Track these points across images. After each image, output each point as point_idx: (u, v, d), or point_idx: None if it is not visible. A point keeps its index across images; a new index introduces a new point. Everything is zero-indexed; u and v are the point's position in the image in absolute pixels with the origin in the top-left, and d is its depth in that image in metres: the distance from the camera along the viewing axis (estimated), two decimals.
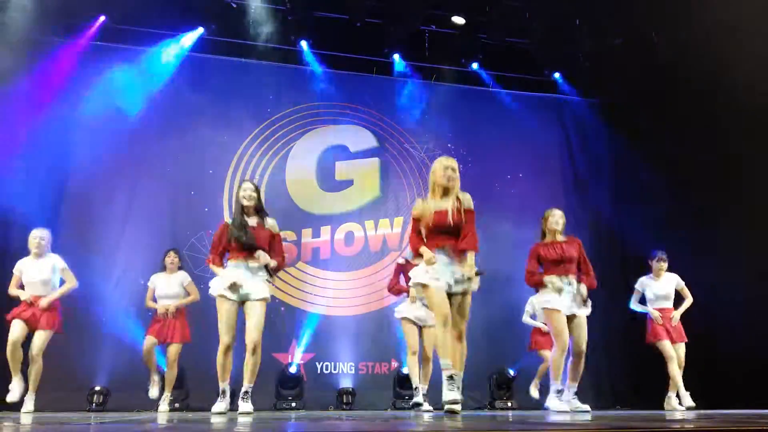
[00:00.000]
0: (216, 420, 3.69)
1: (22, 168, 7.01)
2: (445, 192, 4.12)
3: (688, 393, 5.95)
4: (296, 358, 7.65)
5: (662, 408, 6.14)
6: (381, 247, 8.40)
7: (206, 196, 7.90)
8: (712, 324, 6.40)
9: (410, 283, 4.29)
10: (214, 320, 4.58)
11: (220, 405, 4.40)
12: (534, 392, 6.80)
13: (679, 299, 6.24)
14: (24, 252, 5.63)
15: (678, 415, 4.43)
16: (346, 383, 7.73)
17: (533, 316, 6.97)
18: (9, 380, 5.37)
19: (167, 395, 6.09)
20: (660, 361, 6.13)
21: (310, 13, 8.14)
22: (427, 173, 8.69)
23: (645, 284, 6.29)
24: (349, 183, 8.54)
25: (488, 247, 5.98)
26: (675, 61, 7.59)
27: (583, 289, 5.02)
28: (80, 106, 7.50)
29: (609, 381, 8.24)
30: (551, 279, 5.01)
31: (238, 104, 8.13)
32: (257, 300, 4.51)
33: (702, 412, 5.44)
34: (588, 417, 4.10)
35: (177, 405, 6.56)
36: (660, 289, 6.19)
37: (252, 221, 4.61)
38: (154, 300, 6.21)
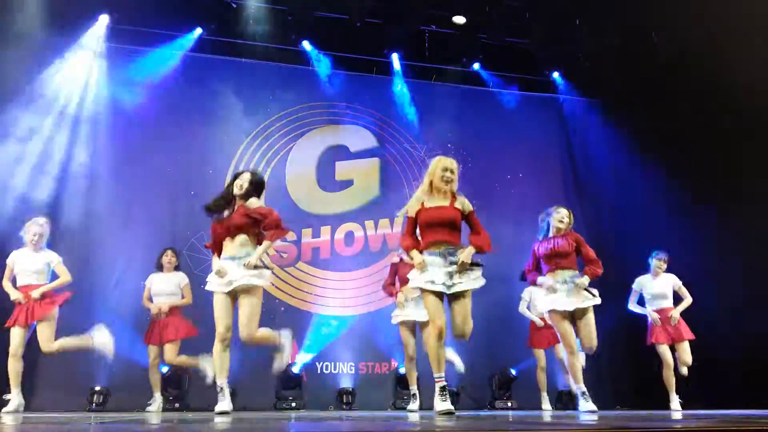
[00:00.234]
0: (217, 420, 3.68)
1: (22, 168, 7.01)
2: (442, 193, 4.13)
3: (677, 397, 6.07)
4: (300, 359, 7.64)
5: (663, 408, 6.17)
6: (381, 247, 8.39)
7: (206, 196, 7.82)
8: (711, 324, 6.40)
9: (408, 285, 4.27)
10: (212, 319, 4.56)
11: (223, 404, 4.36)
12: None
13: (677, 299, 6.25)
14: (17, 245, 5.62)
15: (678, 415, 4.44)
16: (346, 383, 7.72)
17: (529, 307, 7.00)
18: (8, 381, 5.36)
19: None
20: (660, 361, 6.14)
21: (310, 13, 8.14)
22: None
23: (642, 283, 6.31)
24: (349, 183, 8.54)
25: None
26: (675, 61, 7.59)
27: (580, 280, 4.95)
28: (80, 106, 7.50)
29: (609, 381, 8.23)
30: (544, 280, 5.00)
31: (238, 104, 8.13)
32: (244, 290, 4.35)
33: (702, 412, 5.44)
34: (594, 417, 4.10)
35: (177, 405, 6.56)
36: (657, 288, 6.21)
37: (237, 208, 4.54)
38: (151, 300, 6.23)
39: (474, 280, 4.02)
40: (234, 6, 7.91)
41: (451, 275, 3.96)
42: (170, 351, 6.02)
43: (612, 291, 8.28)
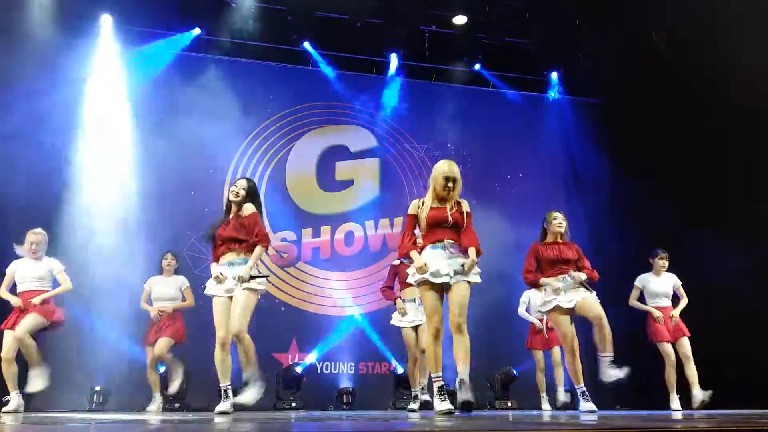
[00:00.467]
0: (218, 420, 3.69)
1: (22, 168, 7.01)
2: (443, 200, 4.17)
3: (678, 396, 6.07)
4: (300, 359, 7.65)
5: (663, 408, 6.16)
6: (381, 247, 8.40)
7: (206, 196, 7.89)
8: (711, 324, 6.40)
9: (409, 279, 4.24)
10: (211, 320, 4.56)
11: (224, 405, 4.36)
12: (562, 396, 6.77)
13: (675, 299, 6.26)
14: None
15: (678, 415, 4.44)
16: (346, 383, 7.73)
17: (528, 309, 7.00)
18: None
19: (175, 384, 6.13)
20: (660, 360, 6.14)
21: (310, 13, 8.14)
22: (427, 173, 8.72)
23: (645, 281, 6.30)
24: (349, 183, 8.54)
25: (488, 247, 5.96)
26: (675, 61, 7.59)
27: (577, 274, 4.97)
28: (79, 106, 7.50)
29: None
30: (548, 281, 4.98)
31: (238, 104, 8.12)
32: (237, 287, 4.36)
33: (702, 412, 5.44)
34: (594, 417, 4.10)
35: (177, 405, 6.56)
36: (660, 287, 6.21)
37: (231, 215, 4.57)
38: (150, 303, 6.22)
39: (474, 275, 4.04)
40: (234, 5, 7.91)
41: (454, 270, 3.96)
42: (162, 344, 6.02)
43: (612, 291, 8.28)
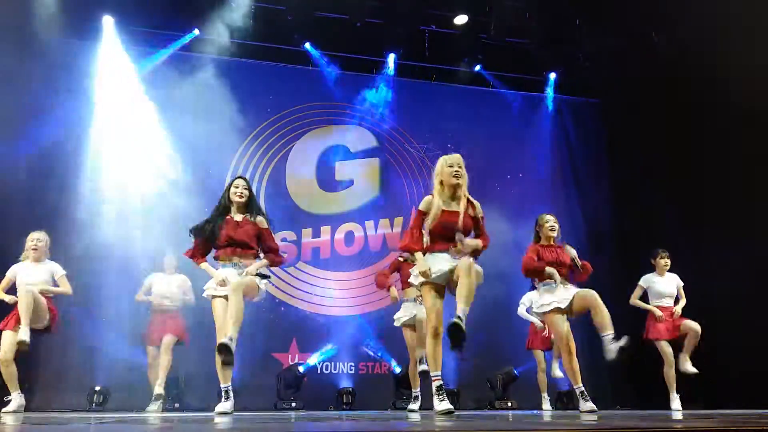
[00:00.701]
0: (218, 420, 3.69)
1: (22, 168, 7.02)
2: (454, 191, 4.03)
3: (678, 396, 6.06)
4: (301, 359, 7.65)
5: (663, 408, 6.16)
6: (381, 247, 8.40)
7: (206, 196, 7.87)
8: (711, 324, 6.39)
9: (411, 279, 4.22)
10: (210, 321, 4.56)
11: (224, 405, 4.35)
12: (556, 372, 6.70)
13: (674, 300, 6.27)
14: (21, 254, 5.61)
15: (678, 415, 4.44)
16: (346, 383, 7.73)
17: (528, 310, 6.99)
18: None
19: (160, 382, 6.15)
20: (661, 360, 6.14)
21: (310, 13, 8.14)
22: (427, 173, 8.75)
23: (649, 282, 6.27)
24: (349, 183, 8.55)
25: (488, 247, 5.97)
26: (675, 61, 7.60)
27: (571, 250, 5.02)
28: (80, 107, 7.50)
29: (609, 381, 8.23)
30: (552, 271, 4.92)
31: (238, 104, 8.11)
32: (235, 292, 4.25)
33: (702, 412, 5.44)
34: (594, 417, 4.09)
35: (177, 405, 6.56)
36: (664, 287, 6.20)
37: (238, 217, 4.54)
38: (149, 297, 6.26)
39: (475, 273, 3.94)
40: (233, 5, 7.91)
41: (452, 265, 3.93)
42: (166, 342, 6.08)
43: (611, 291, 8.28)
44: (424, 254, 4.04)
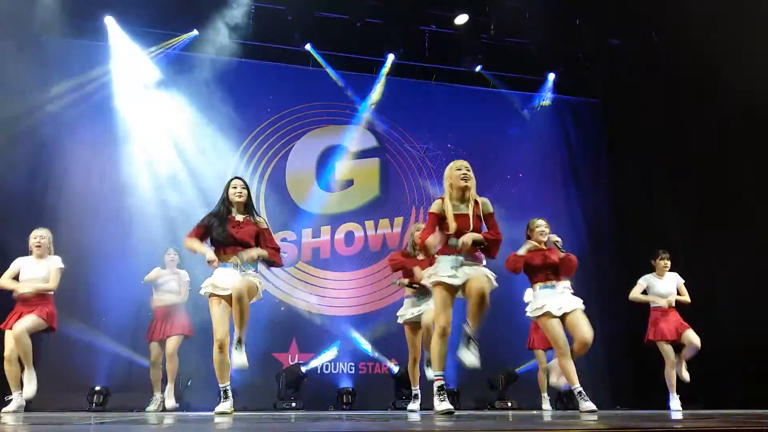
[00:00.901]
0: (218, 420, 3.68)
1: (22, 168, 7.02)
2: (463, 194, 4.14)
3: (678, 396, 6.07)
4: (301, 359, 7.65)
5: (663, 408, 6.16)
6: (381, 247, 8.40)
7: (206, 196, 7.88)
8: (711, 324, 6.40)
9: (425, 281, 4.24)
10: (210, 320, 4.55)
11: (224, 405, 4.35)
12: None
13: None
14: (23, 252, 5.61)
15: (678, 415, 4.44)
16: (346, 383, 7.73)
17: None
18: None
19: (170, 388, 6.12)
20: (660, 360, 6.14)
21: (310, 13, 8.14)
22: (427, 173, 8.76)
23: (649, 282, 6.26)
24: (349, 183, 8.55)
25: None
26: (675, 61, 7.60)
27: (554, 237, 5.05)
28: (80, 106, 7.50)
29: (609, 381, 8.24)
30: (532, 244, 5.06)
31: (238, 104, 8.12)
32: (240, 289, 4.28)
33: (702, 412, 5.44)
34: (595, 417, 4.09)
35: (177, 405, 6.56)
36: (664, 288, 6.19)
37: (239, 217, 4.54)
38: (151, 291, 6.27)
39: (487, 273, 4.04)
40: (233, 6, 7.91)
41: (466, 270, 3.99)
42: (172, 343, 6.08)
43: (611, 291, 8.30)
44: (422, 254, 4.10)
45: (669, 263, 6.25)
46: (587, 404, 4.78)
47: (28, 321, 5.27)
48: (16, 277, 5.44)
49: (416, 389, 5.81)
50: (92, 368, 6.90)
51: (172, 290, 6.29)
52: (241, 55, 8.16)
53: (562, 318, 4.94)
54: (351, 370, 7.91)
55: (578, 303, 4.98)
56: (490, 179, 8.74)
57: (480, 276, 3.99)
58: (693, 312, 6.24)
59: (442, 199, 4.17)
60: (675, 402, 6.08)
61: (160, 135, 7.89)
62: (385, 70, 8.74)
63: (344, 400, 7.34)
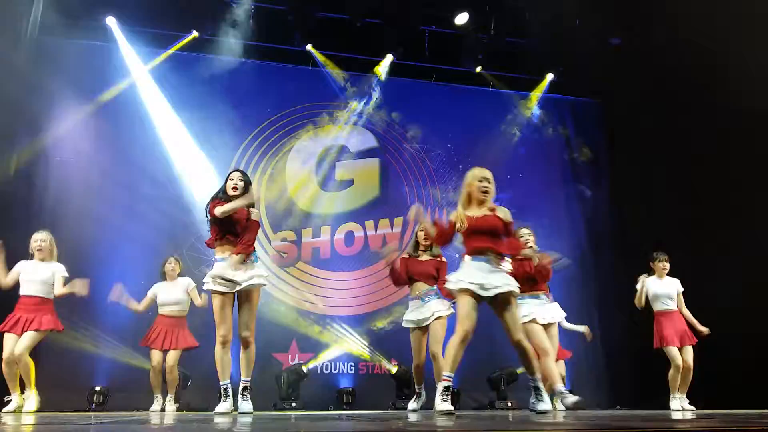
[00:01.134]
0: (218, 420, 3.68)
1: (22, 169, 7.02)
2: (481, 204, 4.19)
3: (679, 398, 6.10)
4: (301, 359, 7.65)
5: (663, 408, 6.16)
6: (381, 247, 8.39)
7: (206, 197, 7.87)
8: (711, 324, 6.39)
9: (449, 285, 4.25)
10: (210, 320, 4.55)
11: (224, 405, 4.35)
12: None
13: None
14: (24, 256, 5.61)
15: (678, 416, 4.44)
16: (346, 383, 7.73)
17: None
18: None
19: (171, 397, 6.11)
20: (661, 360, 6.14)
21: (310, 13, 8.14)
22: (427, 173, 8.76)
23: (648, 285, 6.24)
24: (349, 183, 8.55)
25: None
26: (675, 61, 7.59)
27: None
28: (80, 106, 7.50)
29: (609, 381, 8.24)
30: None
31: (238, 104, 8.13)
32: (248, 287, 4.37)
33: (702, 412, 5.45)
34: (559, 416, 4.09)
35: (177, 405, 6.55)
36: (663, 290, 6.19)
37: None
38: (156, 308, 6.21)
39: (514, 285, 4.10)
40: (233, 5, 7.91)
41: (494, 280, 4.01)
42: (173, 357, 6.04)
43: (611, 291, 8.30)
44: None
45: (668, 265, 6.24)
46: (569, 399, 4.71)
47: (28, 340, 5.30)
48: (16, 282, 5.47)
49: (419, 387, 5.70)
50: (92, 368, 6.91)
51: (178, 301, 6.19)
52: (241, 55, 8.17)
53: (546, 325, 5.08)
54: (351, 370, 7.90)
55: (555, 315, 5.17)
56: None
57: (514, 315, 4.09)
58: (693, 312, 6.25)
59: (462, 206, 4.23)
60: (675, 402, 6.08)
61: (160, 135, 7.88)
62: (385, 70, 8.74)
63: (344, 400, 7.34)
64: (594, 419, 3.54)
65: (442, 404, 3.85)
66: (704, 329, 6.13)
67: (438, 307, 5.20)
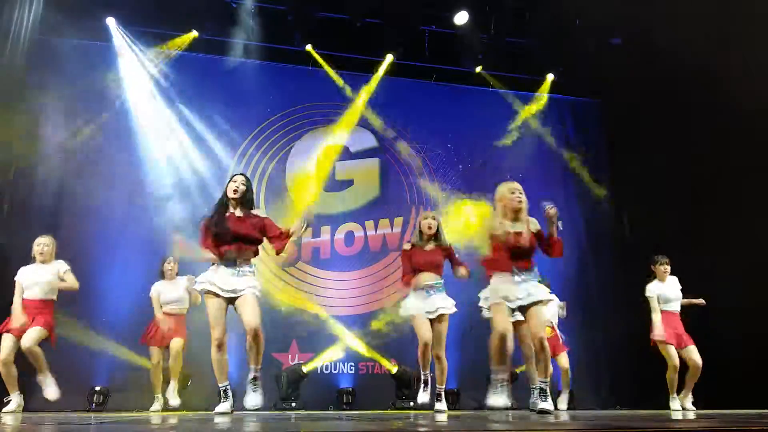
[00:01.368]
0: (218, 420, 3.68)
1: (22, 169, 7.01)
2: (516, 214, 4.39)
3: (679, 396, 6.08)
4: (301, 359, 7.65)
5: (663, 408, 6.16)
6: (381, 247, 8.40)
7: (206, 196, 7.88)
8: (711, 324, 6.40)
9: (484, 303, 4.44)
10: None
11: (224, 405, 4.33)
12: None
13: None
14: (26, 258, 5.61)
15: (678, 416, 4.44)
16: (346, 383, 7.73)
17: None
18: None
19: (174, 388, 6.11)
20: (661, 360, 6.13)
21: (310, 13, 8.14)
22: (427, 173, 8.75)
23: (653, 290, 6.19)
24: (349, 183, 8.55)
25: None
26: (675, 61, 7.59)
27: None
28: (80, 106, 7.50)
29: (609, 381, 8.24)
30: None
31: (238, 104, 8.13)
32: (244, 292, 4.29)
33: (702, 412, 5.45)
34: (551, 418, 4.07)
35: (177, 405, 6.55)
36: (668, 292, 6.16)
37: (239, 212, 4.47)
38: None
39: (545, 293, 4.32)
40: (233, 6, 7.91)
41: (523, 290, 4.24)
42: (177, 344, 6.09)
43: (611, 291, 8.30)
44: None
45: (669, 267, 6.22)
46: (544, 404, 4.57)
47: (35, 333, 5.32)
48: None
49: (426, 374, 5.35)
50: (92, 368, 6.90)
51: (178, 300, 6.23)
52: (241, 55, 8.17)
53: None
54: (351, 370, 7.90)
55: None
56: (490, 179, 8.73)
57: (540, 315, 4.28)
58: (693, 313, 6.24)
59: (496, 217, 4.41)
60: (675, 402, 6.06)
61: (160, 135, 7.87)
62: (385, 70, 8.74)
63: (344, 400, 7.34)
64: (594, 419, 3.54)
65: (496, 398, 4.28)
66: (700, 300, 6.15)
67: (442, 303, 5.12)
